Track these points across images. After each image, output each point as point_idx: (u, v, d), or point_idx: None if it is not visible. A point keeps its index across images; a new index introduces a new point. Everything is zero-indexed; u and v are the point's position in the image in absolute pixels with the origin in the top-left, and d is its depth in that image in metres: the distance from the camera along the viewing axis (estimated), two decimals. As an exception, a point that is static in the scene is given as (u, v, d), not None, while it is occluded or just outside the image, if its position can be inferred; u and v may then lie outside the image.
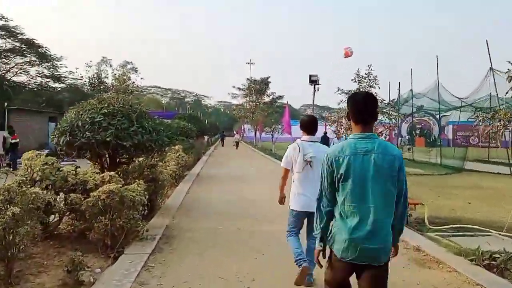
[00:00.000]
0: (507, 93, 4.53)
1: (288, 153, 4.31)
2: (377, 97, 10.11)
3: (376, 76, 10.46)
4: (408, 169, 15.52)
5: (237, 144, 36.36)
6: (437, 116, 44.51)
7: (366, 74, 10.57)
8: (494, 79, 16.65)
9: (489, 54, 16.89)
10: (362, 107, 2.55)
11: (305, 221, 4.28)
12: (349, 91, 10.75)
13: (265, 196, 9.35)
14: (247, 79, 50.92)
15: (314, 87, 21.50)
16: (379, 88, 10.64)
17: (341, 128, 10.85)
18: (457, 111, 32.06)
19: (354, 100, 2.60)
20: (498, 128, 4.59)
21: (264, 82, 49.05)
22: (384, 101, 10.89)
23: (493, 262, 4.65)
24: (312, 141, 4.26)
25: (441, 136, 50.71)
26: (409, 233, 6.34)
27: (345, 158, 2.45)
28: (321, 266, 2.69)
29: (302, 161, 4.16)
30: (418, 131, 44.56)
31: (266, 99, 49.27)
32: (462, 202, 9.48)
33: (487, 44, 16.81)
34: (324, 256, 2.63)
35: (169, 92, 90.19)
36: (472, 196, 10.21)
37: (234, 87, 53.95)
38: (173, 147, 12.52)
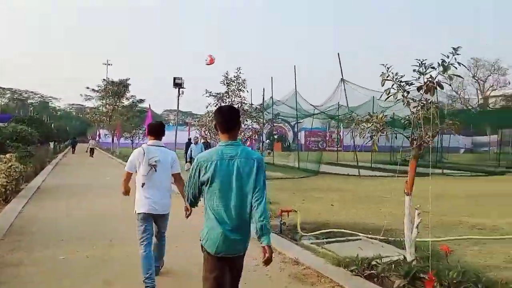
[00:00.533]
0: (381, 96, 4.31)
1: (133, 157, 4.43)
2: (246, 102, 9.62)
3: (244, 80, 10.06)
4: (270, 172, 15.60)
5: (91, 151, 32.50)
6: (292, 123, 48.07)
7: (234, 77, 10.08)
8: (345, 90, 18.21)
9: (341, 66, 18.45)
10: (228, 118, 2.90)
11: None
12: (217, 93, 10.12)
13: (120, 210, 8.02)
14: (103, 79, 46.71)
15: (179, 91, 20.43)
16: (248, 92, 10.27)
17: (209, 133, 10.15)
18: (309, 118, 34.78)
19: (220, 113, 2.98)
20: (373, 132, 4.39)
21: (123, 84, 45.65)
22: (253, 106, 10.58)
23: (373, 272, 4.44)
24: (158, 146, 4.43)
25: (295, 142, 55.06)
26: (285, 244, 5.93)
27: (213, 163, 2.79)
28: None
29: (147, 165, 4.29)
30: (276, 137, 47.37)
31: (126, 102, 45.97)
32: (326, 205, 9.72)
33: (338, 56, 18.33)
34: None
35: (8, 92, 77.33)
36: (333, 199, 10.61)
37: (88, 88, 48.84)
38: (2, 155, 10.08)
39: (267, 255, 2.71)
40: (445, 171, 19.65)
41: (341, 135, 48.19)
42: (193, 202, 2.98)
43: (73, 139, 41.87)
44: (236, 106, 10.21)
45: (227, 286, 2.85)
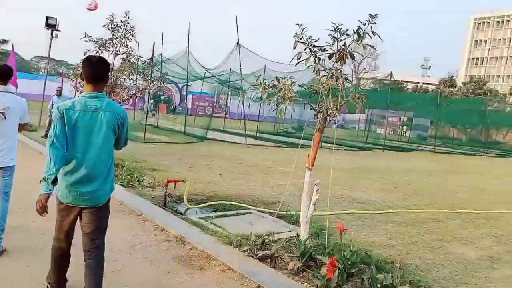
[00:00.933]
0: (292, 60, 3.85)
1: None
2: (134, 53, 8.36)
3: (134, 27, 8.73)
4: (154, 136, 14.47)
5: None
6: (180, 85, 46.25)
7: (122, 22, 8.67)
8: (239, 55, 17.65)
9: (237, 30, 17.74)
10: (95, 69, 2.84)
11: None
12: (99, 39, 8.63)
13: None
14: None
15: (52, 33, 17.59)
16: (137, 41, 8.97)
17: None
18: (199, 82, 33.77)
19: (88, 62, 2.87)
20: (280, 100, 3.91)
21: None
22: (142, 58, 9.27)
23: (267, 252, 4.05)
24: (5, 91, 3.97)
25: (182, 105, 53.49)
26: (169, 219, 5.23)
27: (75, 113, 2.75)
28: (44, 213, 2.72)
29: None
30: (162, 98, 45.25)
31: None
32: (214, 174, 9.23)
33: (236, 19, 17.58)
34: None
35: None
36: (222, 168, 10.17)
37: None
38: None
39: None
40: (321, 144, 20.86)
41: (229, 102, 48.22)
42: (58, 165, 2.71)
43: None
44: (122, 56, 8.91)
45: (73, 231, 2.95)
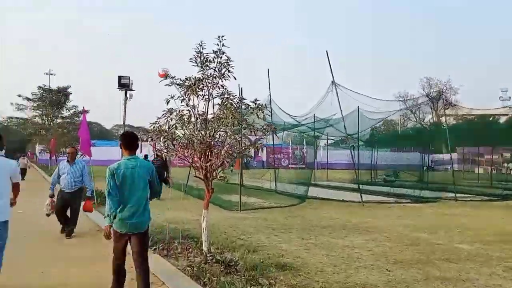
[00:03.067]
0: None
1: None
2: (232, 93, 5.55)
3: (229, 60, 6.01)
4: (243, 198, 10.71)
5: (22, 171, 26.62)
6: (252, 137, 44.19)
7: (215, 52, 6.01)
8: (337, 94, 14.62)
9: (330, 66, 14.87)
10: (129, 141, 4.43)
11: None
12: (185, 79, 6.02)
13: None
14: (39, 87, 40.30)
15: (126, 93, 16.09)
16: (235, 78, 6.22)
17: (168, 143, 5.89)
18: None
19: (123, 137, 4.51)
20: None
21: (63, 93, 39.75)
22: (245, 101, 6.45)
23: None
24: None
25: (257, 159, 51.27)
26: None
27: (121, 171, 4.24)
28: (109, 238, 4.33)
29: None
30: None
31: (66, 113, 39.91)
32: (380, 270, 5.84)
33: (327, 55, 14.77)
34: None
35: None
36: (377, 254, 6.77)
37: (20, 96, 42.00)
38: None
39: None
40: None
41: (305, 151, 45.00)
42: (115, 206, 4.22)
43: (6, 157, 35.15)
44: (218, 99, 6.22)
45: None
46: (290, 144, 49.75)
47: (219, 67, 6.12)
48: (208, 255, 5.98)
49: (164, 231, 7.69)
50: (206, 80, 6.12)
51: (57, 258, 6.39)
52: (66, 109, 40.29)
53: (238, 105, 6.29)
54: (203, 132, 5.89)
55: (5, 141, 7.52)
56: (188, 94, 6.08)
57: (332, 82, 14.78)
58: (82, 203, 8.35)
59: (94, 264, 5.96)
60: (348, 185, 23.53)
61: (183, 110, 5.99)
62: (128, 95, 15.93)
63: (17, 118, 45.30)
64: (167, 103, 6.02)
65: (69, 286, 5.05)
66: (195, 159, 5.80)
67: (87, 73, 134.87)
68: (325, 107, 16.52)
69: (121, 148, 4.43)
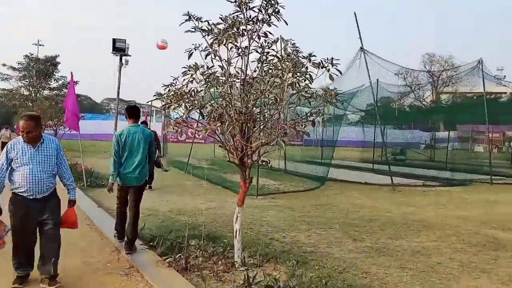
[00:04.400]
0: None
1: None
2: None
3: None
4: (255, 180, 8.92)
5: (3, 145, 24.55)
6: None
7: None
8: (366, 63, 12.74)
9: (359, 31, 12.88)
10: (132, 111, 5.39)
11: None
12: (219, 21, 4.17)
13: None
14: (25, 56, 37.38)
15: (121, 59, 14.11)
16: (287, 23, 4.35)
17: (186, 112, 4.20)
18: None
19: (128, 108, 5.53)
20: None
21: (51, 62, 37.09)
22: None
23: None
24: None
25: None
26: None
27: (123, 136, 5.17)
28: (111, 192, 5.36)
29: None
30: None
31: (54, 84, 37.40)
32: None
33: (355, 17, 12.80)
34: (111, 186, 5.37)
35: None
36: (468, 265, 5.17)
37: (4, 65, 39.09)
38: None
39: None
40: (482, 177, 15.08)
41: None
42: (117, 167, 5.17)
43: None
44: (262, 56, 4.42)
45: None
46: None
47: (264, 5, 4.27)
48: (242, 268, 4.34)
49: (174, 227, 6.02)
50: (247, 25, 4.27)
51: None
52: (54, 80, 37.75)
53: (296, 59, 4.35)
54: (241, 100, 4.09)
55: None
56: (222, 41, 4.20)
57: (360, 48, 12.88)
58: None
59: None
60: (361, 165, 22.05)
61: (212, 66, 4.17)
62: (123, 61, 13.90)
63: (2, 89, 42.72)
64: (189, 57, 4.18)
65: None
66: (236, 137, 4.02)
67: (78, 46, 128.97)
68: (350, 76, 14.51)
69: (126, 118, 5.43)
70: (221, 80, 4.03)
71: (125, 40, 13.28)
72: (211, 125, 3.95)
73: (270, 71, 4.10)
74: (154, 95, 4.17)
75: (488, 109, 14.48)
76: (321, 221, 7.14)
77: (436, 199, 10.40)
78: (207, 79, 4.02)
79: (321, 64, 4.25)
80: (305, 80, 4.09)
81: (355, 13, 12.92)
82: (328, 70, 4.32)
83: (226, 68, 4.13)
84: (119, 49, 13.16)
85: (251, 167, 4.45)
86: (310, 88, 4.41)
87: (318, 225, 6.82)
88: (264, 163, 4.49)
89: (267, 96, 3.99)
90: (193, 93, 3.95)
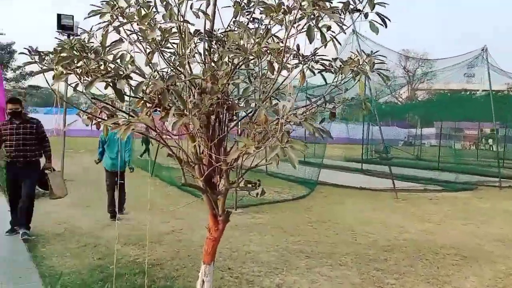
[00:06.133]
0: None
1: None
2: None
3: None
4: None
5: None
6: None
7: None
8: (359, 44, 10.90)
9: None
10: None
11: None
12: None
13: None
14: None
15: (69, 37, 11.59)
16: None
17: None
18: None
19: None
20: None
21: (6, 50, 33.39)
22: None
23: None
24: None
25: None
26: None
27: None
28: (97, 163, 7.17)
29: None
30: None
31: (10, 74, 33.86)
32: None
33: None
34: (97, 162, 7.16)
35: None
36: None
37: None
38: None
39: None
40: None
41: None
42: (101, 155, 7.00)
43: None
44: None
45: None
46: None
47: None
48: None
49: (116, 269, 3.97)
50: None
51: None
52: (11, 70, 34.45)
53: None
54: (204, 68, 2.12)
55: None
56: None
57: (353, 30, 11.04)
58: None
59: None
60: (349, 164, 20.39)
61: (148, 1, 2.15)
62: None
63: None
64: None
65: None
66: (196, 139, 2.04)
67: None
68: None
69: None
70: (164, 27, 2.01)
71: (72, 16, 10.92)
72: (145, 114, 1.94)
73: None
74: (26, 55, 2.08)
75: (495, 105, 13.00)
76: (325, 251, 5.23)
77: (449, 209, 8.68)
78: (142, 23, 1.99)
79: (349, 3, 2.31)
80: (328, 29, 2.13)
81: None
82: (366, 17, 2.40)
83: (176, 4, 2.12)
84: (65, 27, 10.81)
85: (226, 193, 2.48)
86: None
87: (322, 259, 4.90)
88: (250, 186, 2.52)
89: (254, 57, 2.01)
90: (105, 49, 1.92)
